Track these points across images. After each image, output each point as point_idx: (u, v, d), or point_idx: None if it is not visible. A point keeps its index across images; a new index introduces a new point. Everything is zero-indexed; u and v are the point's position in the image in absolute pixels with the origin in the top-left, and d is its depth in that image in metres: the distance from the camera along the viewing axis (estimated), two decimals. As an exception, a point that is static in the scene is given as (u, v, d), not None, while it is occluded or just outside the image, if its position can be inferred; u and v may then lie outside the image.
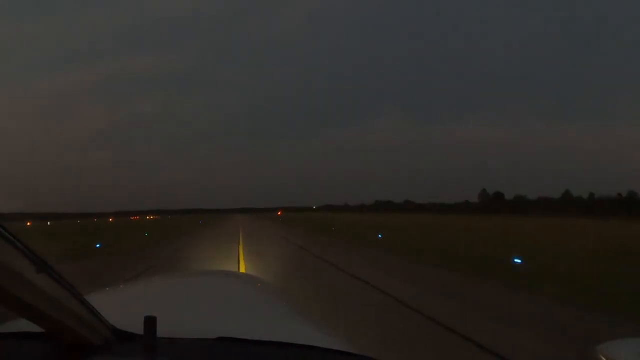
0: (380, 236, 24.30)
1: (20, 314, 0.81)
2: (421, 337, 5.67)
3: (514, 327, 6.03)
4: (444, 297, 8.33)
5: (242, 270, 11.40)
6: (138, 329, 1.03)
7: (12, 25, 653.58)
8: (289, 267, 12.46)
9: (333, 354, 1.12)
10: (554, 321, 6.47)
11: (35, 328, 0.90)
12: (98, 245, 20.60)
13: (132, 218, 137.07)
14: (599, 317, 6.67)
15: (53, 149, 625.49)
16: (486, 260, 13.06)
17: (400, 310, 7.16)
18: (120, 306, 1.50)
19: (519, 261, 12.20)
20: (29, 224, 56.47)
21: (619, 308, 7.07)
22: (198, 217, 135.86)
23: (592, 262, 12.74)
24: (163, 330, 1.03)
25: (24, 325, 1.05)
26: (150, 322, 1.00)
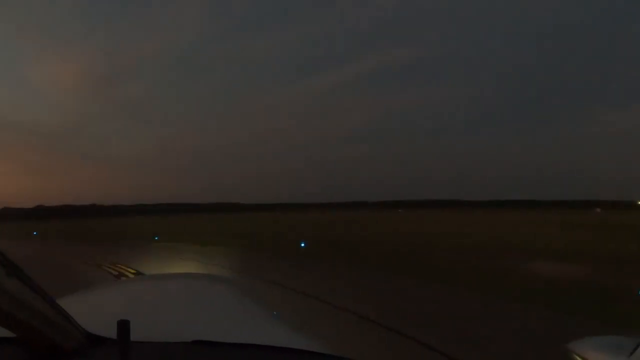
0: None
1: None
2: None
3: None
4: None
5: None
6: (111, 332, 1.02)
7: (280, 33, 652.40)
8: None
9: (311, 355, 1.13)
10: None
11: (6, 333, 0.88)
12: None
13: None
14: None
15: (317, 144, 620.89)
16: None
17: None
18: (93, 310, 1.48)
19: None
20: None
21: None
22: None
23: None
24: (137, 333, 1.02)
25: None
26: (124, 326, 0.99)
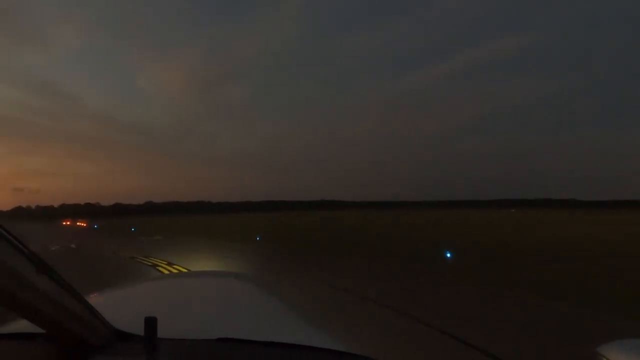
0: None
1: (21, 314, 0.81)
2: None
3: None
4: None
5: None
6: (138, 329, 1.03)
7: (381, 28, 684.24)
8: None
9: (333, 354, 1.12)
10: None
11: (36, 329, 0.90)
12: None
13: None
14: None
15: (422, 140, 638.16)
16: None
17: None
18: (121, 307, 1.50)
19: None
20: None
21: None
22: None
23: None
24: (163, 330, 1.03)
25: (24, 325, 1.05)
26: (151, 323, 1.00)
